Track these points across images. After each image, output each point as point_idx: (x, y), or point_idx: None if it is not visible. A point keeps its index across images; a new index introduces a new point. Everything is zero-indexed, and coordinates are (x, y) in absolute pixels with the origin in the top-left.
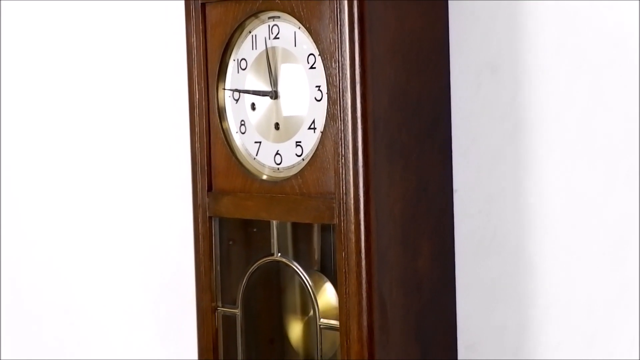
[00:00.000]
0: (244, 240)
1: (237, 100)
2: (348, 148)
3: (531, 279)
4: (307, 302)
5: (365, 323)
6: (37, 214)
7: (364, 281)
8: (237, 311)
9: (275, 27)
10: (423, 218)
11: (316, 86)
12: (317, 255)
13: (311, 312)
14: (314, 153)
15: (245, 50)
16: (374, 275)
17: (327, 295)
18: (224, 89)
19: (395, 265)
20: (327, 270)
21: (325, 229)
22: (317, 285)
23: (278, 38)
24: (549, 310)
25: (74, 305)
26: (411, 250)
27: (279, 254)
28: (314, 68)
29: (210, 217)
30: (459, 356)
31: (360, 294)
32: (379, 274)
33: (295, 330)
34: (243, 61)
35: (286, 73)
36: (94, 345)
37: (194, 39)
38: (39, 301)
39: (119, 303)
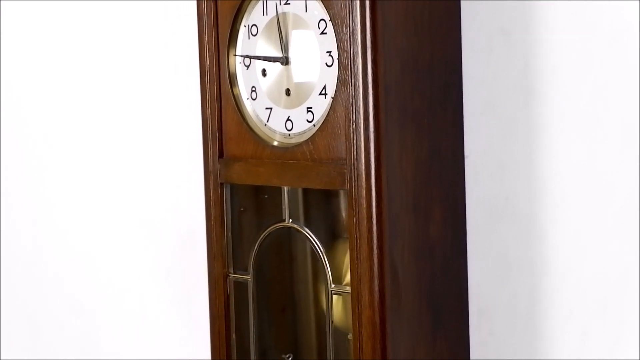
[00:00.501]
0: (255, 207)
1: (247, 67)
2: (359, 113)
3: (542, 245)
4: (319, 268)
5: (376, 288)
6: (44, 185)
7: (375, 247)
8: (249, 277)
9: None
10: (435, 184)
11: (327, 52)
12: (328, 221)
13: (322, 278)
14: (325, 119)
15: (256, 16)
16: (385, 241)
17: (339, 262)
18: (235, 55)
19: (407, 231)
20: (339, 236)
21: (336, 195)
22: (329, 251)
23: (289, 4)
24: (561, 276)
25: (86, 276)
26: (423, 216)
27: (290, 220)
28: (325, 34)
29: (221, 184)
30: (471, 322)
31: (371, 259)
32: (390, 239)
33: (307, 296)
34: (254, 27)
35: (297, 39)
36: (105, 314)
37: (204, 5)
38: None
39: (130, 271)
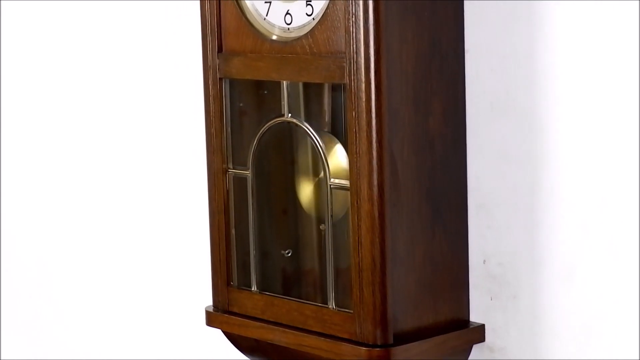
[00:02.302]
0: (255, 103)
1: None
2: (359, 6)
3: (543, 139)
4: (318, 163)
5: (375, 182)
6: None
7: (374, 140)
8: (248, 173)
9: None
10: (435, 78)
11: None
12: (327, 116)
13: (322, 173)
14: (325, 12)
15: None
16: (384, 134)
17: (338, 156)
18: None
19: (407, 125)
20: (338, 131)
21: (336, 89)
22: (328, 146)
23: None
24: (560, 170)
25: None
26: (422, 109)
27: (290, 115)
28: None
29: (220, 79)
30: (469, 216)
31: (370, 152)
32: (389, 132)
33: (306, 191)
34: None
35: None
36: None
37: None
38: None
39: (128, 165)
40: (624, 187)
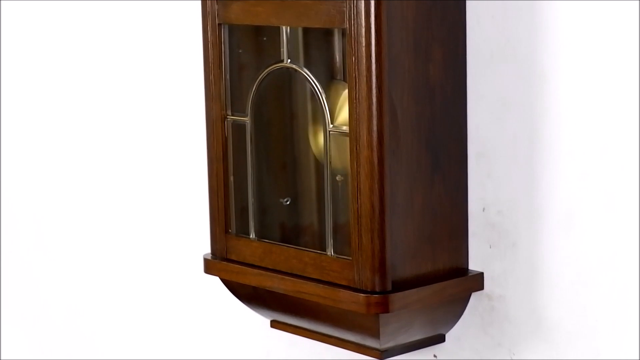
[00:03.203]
0: (254, 49)
1: None
2: None
3: (543, 86)
4: (317, 109)
5: (375, 128)
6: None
7: (374, 86)
8: (247, 119)
9: None
10: (435, 24)
11: None
12: (327, 62)
13: (321, 119)
14: None
15: None
16: (384, 80)
17: (337, 102)
18: None
19: (407, 72)
20: (338, 77)
21: (336, 34)
22: (327, 92)
23: None
24: (561, 118)
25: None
26: (423, 57)
27: (289, 61)
28: None
29: (219, 25)
30: (469, 165)
31: (370, 98)
32: (389, 79)
33: (305, 138)
34: None
35: None
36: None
37: None
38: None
39: (127, 112)
40: (624, 135)
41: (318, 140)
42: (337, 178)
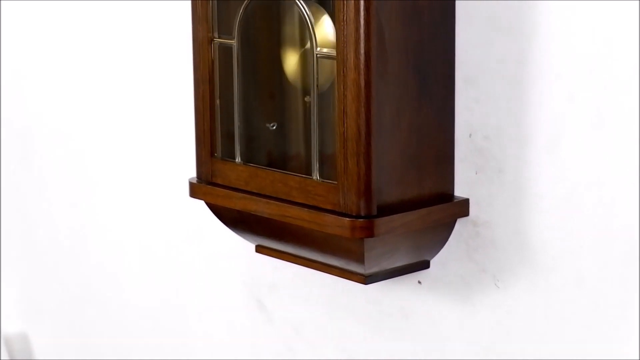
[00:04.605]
0: None
1: None
2: None
3: (532, 8)
4: (305, 33)
5: (362, 51)
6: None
7: (362, 7)
8: (234, 42)
9: None
10: None
11: None
12: None
13: (308, 43)
14: None
15: None
16: (372, 2)
17: (325, 26)
18: None
19: None
20: (326, 2)
21: None
22: (316, 16)
23: None
24: (549, 41)
25: None
26: None
27: None
28: None
29: None
30: (457, 89)
31: (357, 21)
32: (377, 1)
33: (292, 62)
34: None
35: None
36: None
37: None
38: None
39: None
40: (613, 57)
41: (290, 63)
42: (306, 99)
